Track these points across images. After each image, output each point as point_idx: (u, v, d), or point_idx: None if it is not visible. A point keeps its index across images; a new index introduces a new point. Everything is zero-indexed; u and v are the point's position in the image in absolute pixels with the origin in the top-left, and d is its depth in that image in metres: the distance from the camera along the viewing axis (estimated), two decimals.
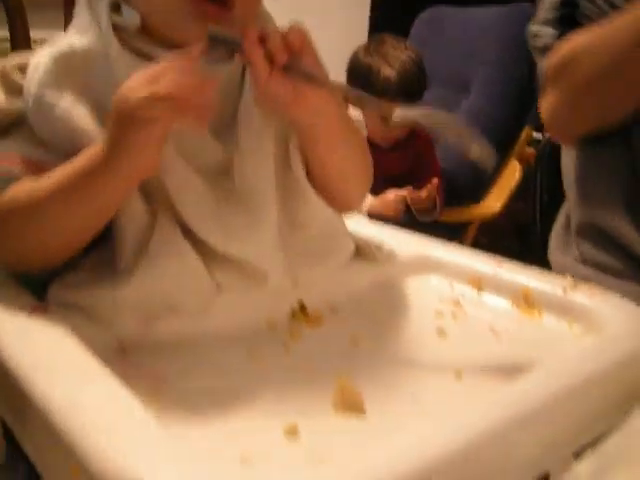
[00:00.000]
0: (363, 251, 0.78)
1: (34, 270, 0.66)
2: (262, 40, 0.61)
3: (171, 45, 0.66)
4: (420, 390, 0.57)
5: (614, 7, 0.84)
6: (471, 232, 2.07)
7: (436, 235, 0.89)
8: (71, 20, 0.72)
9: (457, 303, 0.76)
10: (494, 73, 2.26)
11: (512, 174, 2.04)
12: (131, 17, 0.70)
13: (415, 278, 0.82)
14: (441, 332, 0.68)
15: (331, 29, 2.62)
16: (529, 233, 1.40)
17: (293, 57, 0.61)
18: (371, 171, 0.81)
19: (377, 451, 0.44)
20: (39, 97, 0.66)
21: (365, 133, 1.93)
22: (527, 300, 0.75)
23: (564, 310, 0.72)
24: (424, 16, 2.61)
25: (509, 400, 0.51)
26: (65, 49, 0.68)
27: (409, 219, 1.87)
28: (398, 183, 1.92)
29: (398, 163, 1.98)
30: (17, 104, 0.68)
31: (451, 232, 2.06)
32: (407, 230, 0.93)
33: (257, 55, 0.60)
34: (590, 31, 0.84)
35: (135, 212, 0.65)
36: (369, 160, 0.81)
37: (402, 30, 2.40)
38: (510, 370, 0.61)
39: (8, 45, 1.79)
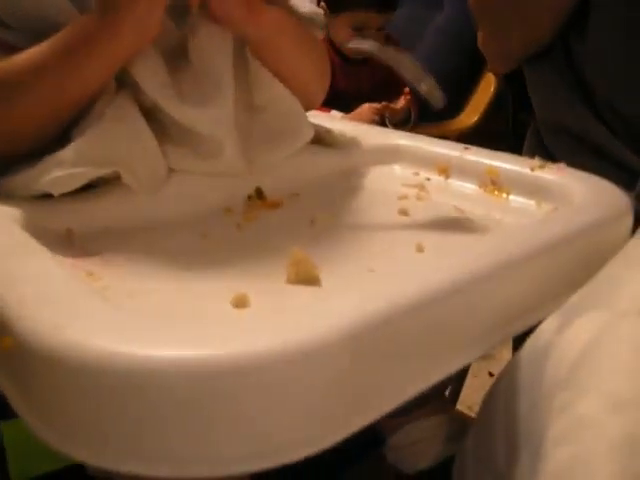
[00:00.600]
0: (325, 138, 0.75)
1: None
2: None
3: None
4: (379, 263, 0.54)
5: None
6: None
7: None
8: None
9: (422, 187, 0.73)
10: None
11: (487, 87, 2.01)
12: None
13: (380, 167, 0.79)
14: (404, 212, 0.66)
15: None
16: (506, 145, 1.38)
17: None
18: (328, 76, 0.80)
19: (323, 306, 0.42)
20: None
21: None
22: (495, 182, 0.72)
23: (532, 189, 0.69)
24: None
25: (468, 259, 0.49)
26: None
27: None
28: (372, 100, 1.89)
29: (370, 77, 1.96)
30: None
31: None
32: None
33: None
34: None
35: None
36: (326, 68, 0.79)
37: None
38: (475, 241, 0.59)
39: None
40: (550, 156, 0.91)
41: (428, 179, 0.76)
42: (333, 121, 0.92)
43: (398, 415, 0.76)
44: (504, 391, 0.48)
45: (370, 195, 0.71)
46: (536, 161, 0.73)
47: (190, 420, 0.36)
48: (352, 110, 1.87)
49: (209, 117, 0.63)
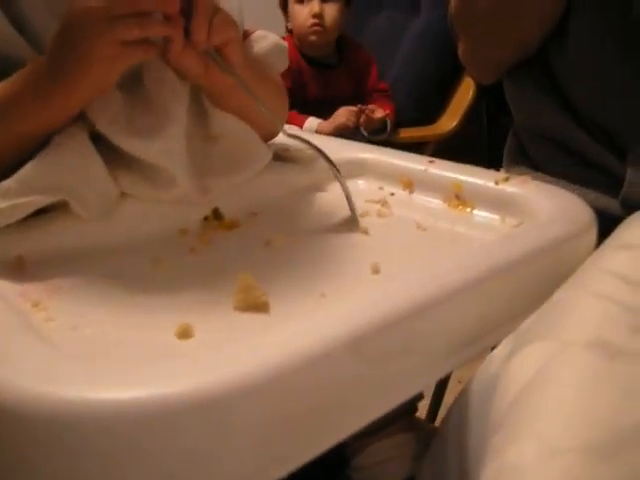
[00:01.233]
0: (284, 157, 0.74)
1: None
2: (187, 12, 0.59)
3: None
4: (331, 287, 0.52)
5: None
6: (426, 154, 2.02)
7: None
8: None
9: (385, 203, 0.71)
10: None
11: (466, 92, 1.99)
12: None
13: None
14: (364, 231, 0.64)
15: None
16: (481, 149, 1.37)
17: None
18: (285, 107, 0.82)
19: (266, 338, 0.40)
20: None
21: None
22: (459, 197, 0.71)
23: (497, 203, 0.68)
24: None
25: (421, 283, 0.47)
26: None
27: (361, 139, 1.85)
28: (346, 104, 1.90)
29: (344, 81, 1.97)
30: None
31: None
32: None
33: (174, 28, 0.59)
34: None
35: None
36: (283, 100, 0.81)
37: None
38: (434, 261, 0.58)
39: None
40: (531, 162, 0.90)
41: (392, 194, 0.74)
42: (300, 134, 0.90)
43: (363, 436, 0.74)
44: (457, 417, 0.46)
45: (330, 212, 0.69)
46: (501, 174, 0.72)
47: (117, 463, 0.35)
48: (331, 115, 1.86)
49: (158, 148, 0.62)
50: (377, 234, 0.64)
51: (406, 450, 0.73)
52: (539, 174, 0.88)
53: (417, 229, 0.65)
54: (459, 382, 0.93)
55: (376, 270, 0.55)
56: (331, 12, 1.92)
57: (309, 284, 0.53)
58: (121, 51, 0.58)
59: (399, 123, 1.99)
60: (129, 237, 0.62)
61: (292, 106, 1.84)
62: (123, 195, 0.64)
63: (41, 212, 0.60)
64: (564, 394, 0.35)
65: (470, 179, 0.71)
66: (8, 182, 0.57)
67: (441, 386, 1.07)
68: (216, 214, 0.66)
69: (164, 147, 0.63)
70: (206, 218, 0.66)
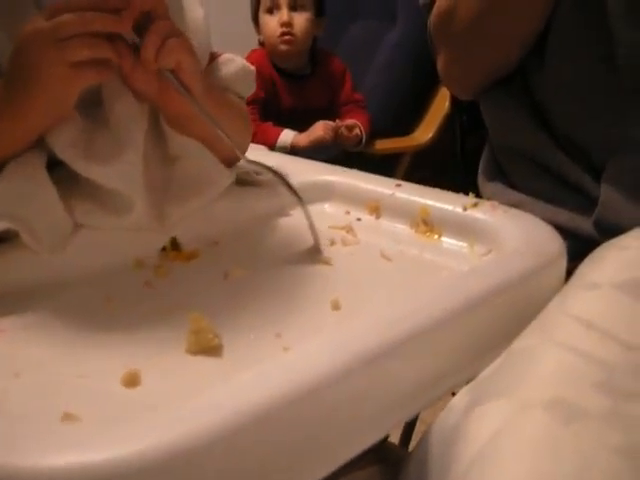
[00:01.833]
0: (246, 180, 0.71)
1: None
2: (140, 30, 0.58)
3: None
4: (288, 326, 0.50)
5: None
6: (403, 165, 2.01)
7: (367, 169, 0.83)
8: None
9: (350, 229, 0.69)
10: None
11: (442, 103, 1.98)
12: None
13: (309, 205, 0.75)
14: (326, 261, 0.62)
15: None
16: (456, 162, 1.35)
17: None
18: (249, 131, 0.80)
19: (211, 393, 0.38)
20: None
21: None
22: (426, 222, 0.69)
23: (465, 230, 0.66)
24: None
25: (380, 326, 0.45)
26: None
27: (337, 151, 1.84)
28: (320, 114, 1.90)
29: (318, 92, 1.96)
30: None
31: (382, 166, 2.01)
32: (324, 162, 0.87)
33: (122, 47, 0.58)
34: None
35: None
36: (245, 125, 0.79)
37: None
38: (396, 296, 0.55)
39: None
40: (506, 178, 0.88)
41: (359, 219, 0.73)
42: (267, 156, 0.88)
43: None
44: (418, 463, 0.44)
45: (293, 240, 0.67)
46: (469, 198, 0.70)
47: None
48: (306, 126, 1.85)
49: (116, 173, 0.60)
50: (340, 265, 0.62)
51: None
52: (512, 193, 0.86)
53: (382, 259, 0.63)
54: None
55: (336, 306, 0.53)
56: (300, 21, 1.91)
57: (265, 323, 0.51)
58: (72, 73, 0.56)
59: (374, 134, 1.97)
60: (82, 270, 0.59)
61: (266, 117, 1.83)
62: (77, 226, 0.61)
63: None
64: (519, 466, 0.33)
65: (438, 204, 0.69)
66: None
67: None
68: (174, 244, 0.64)
69: (122, 171, 0.61)
70: (164, 248, 0.64)
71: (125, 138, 0.62)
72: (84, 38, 0.55)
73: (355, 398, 0.41)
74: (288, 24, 1.89)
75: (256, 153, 0.81)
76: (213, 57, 0.74)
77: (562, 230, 0.64)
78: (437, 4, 0.81)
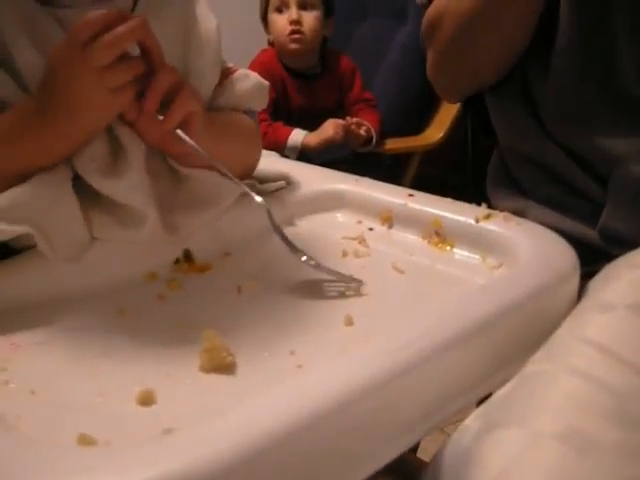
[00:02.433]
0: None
1: None
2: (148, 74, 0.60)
3: None
4: (302, 343, 0.50)
5: None
6: (413, 165, 2.00)
7: (377, 168, 0.84)
8: None
9: (363, 240, 0.69)
10: None
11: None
12: None
13: (321, 214, 0.76)
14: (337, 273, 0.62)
15: None
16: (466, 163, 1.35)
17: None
18: (257, 149, 0.79)
19: (227, 418, 0.38)
20: None
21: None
22: (439, 234, 0.69)
23: (477, 242, 0.66)
24: None
25: (396, 345, 0.45)
26: None
27: (348, 151, 1.84)
28: (331, 113, 1.90)
29: (328, 91, 1.96)
30: None
31: (393, 165, 2.00)
32: (340, 166, 0.87)
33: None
34: None
35: None
36: (254, 144, 0.79)
37: None
38: (409, 312, 0.56)
39: None
40: (514, 184, 0.88)
41: (371, 229, 0.73)
42: (279, 163, 0.88)
43: None
44: None
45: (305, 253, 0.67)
46: (482, 209, 0.70)
47: None
48: (316, 126, 1.85)
49: (125, 187, 0.62)
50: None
51: None
52: (519, 198, 0.86)
53: (394, 271, 0.63)
54: None
55: (349, 322, 0.53)
56: (309, 20, 1.90)
57: (278, 339, 0.51)
58: (113, 98, 0.59)
59: (385, 133, 1.97)
60: (96, 283, 0.60)
61: (276, 117, 1.83)
62: (93, 239, 0.62)
63: (3, 258, 0.59)
64: None
65: (450, 215, 0.69)
66: None
67: None
68: (187, 256, 0.64)
69: (130, 186, 0.62)
70: (177, 260, 0.64)
71: (129, 153, 0.63)
72: (121, 64, 0.58)
73: (367, 421, 0.42)
74: (297, 22, 1.89)
75: (267, 160, 0.82)
76: (226, 72, 0.75)
77: (568, 237, 0.64)
78: (427, 10, 0.81)
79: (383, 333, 0.48)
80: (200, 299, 0.59)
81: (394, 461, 0.66)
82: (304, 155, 1.78)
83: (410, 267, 0.64)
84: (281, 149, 1.78)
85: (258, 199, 0.64)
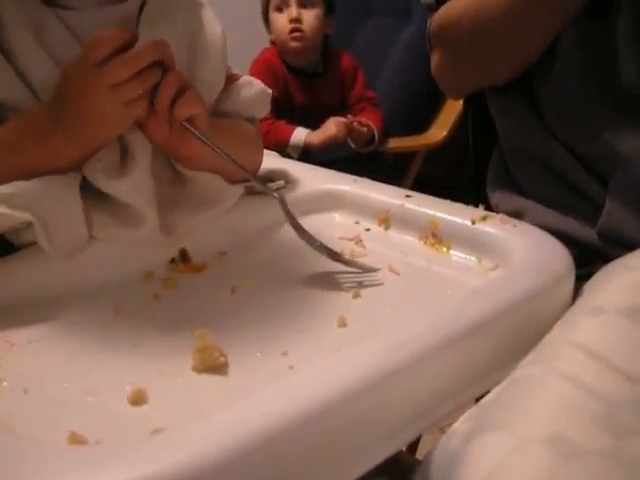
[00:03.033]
0: (252, 190, 0.72)
1: None
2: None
3: None
4: (294, 344, 0.51)
5: None
6: (416, 164, 2.00)
7: (380, 167, 0.84)
8: None
9: (359, 241, 0.70)
10: None
11: (456, 102, 1.96)
12: None
13: (319, 215, 0.76)
14: (332, 275, 0.62)
15: None
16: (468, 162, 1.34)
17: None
18: (259, 152, 0.80)
19: (217, 419, 0.38)
20: None
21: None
22: (435, 235, 0.69)
23: (473, 244, 0.66)
24: None
25: (389, 346, 0.45)
26: None
27: (350, 150, 1.84)
28: (333, 111, 1.90)
29: (330, 90, 1.96)
30: None
31: (396, 164, 2.00)
32: (343, 165, 0.87)
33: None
34: None
35: None
36: (256, 148, 0.80)
37: None
38: (403, 313, 0.56)
39: None
40: (514, 183, 0.88)
41: (368, 229, 0.73)
42: (278, 162, 0.88)
43: None
44: None
45: (301, 252, 0.67)
46: (478, 211, 0.70)
47: None
48: (318, 124, 1.85)
49: (129, 187, 0.63)
50: (348, 278, 0.62)
51: None
52: (519, 199, 0.86)
53: (390, 272, 0.63)
54: None
55: (342, 324, 0.54)
56: (310, 18, 1.91)
57: (271, 340, 0.52)
58: (126, 110, 0.60)
59: (388, 132, 1.97)
60: (92, 281, 0.60)
61: (279, 116, 1.83)
62: (91, 238, 0.63)
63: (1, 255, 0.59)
64: None
65: (447, 217, 0.69)
66: None
67: None
68: (183, 255, 0.64)
69: (134, 186, 0.63)
70: (173, 260, 0.64)
71: (136, 155, 0.64)
72: (134, 79, 0.59)
73: (358, 421, 0.42)
74: (297, 20, 1.89)
75: (266, 160, 0.82)
76: (231, 78, 0.75)
77: (567, 237, 0.64)
78: (440, 11, 0.81)
79: (376, 334, 0.48)
80: (195, 299, 0.59)
81: (388, 460, 0.66)
82: (306, 154, 1.78)
83: (406, 268, 0.64)
84: (283, 147, 1.78)
85: (274, 194, 0.65)
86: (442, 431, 0.52)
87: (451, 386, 0.49)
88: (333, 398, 0.40)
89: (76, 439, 0.40)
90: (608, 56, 0.68)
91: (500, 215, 0.68)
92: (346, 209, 0.77)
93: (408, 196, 0.73)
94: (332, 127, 1.82)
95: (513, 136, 0.88)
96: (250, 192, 0.72)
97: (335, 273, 0.62)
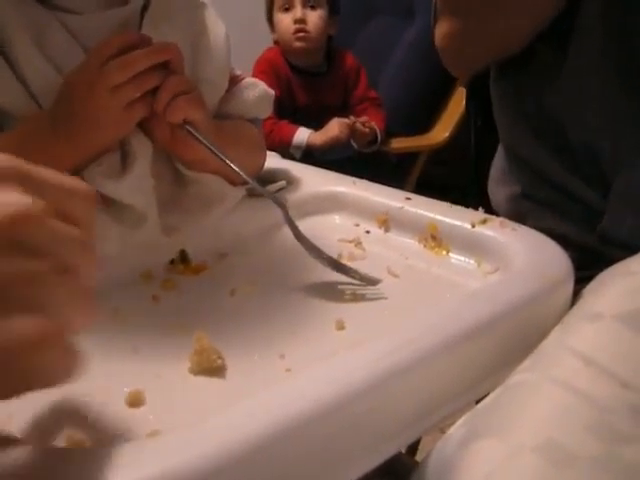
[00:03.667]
0: (253, 192, 0.72)
1: None
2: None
3: None
4: (292, 347, 0.51)
5: None
6: (419, 164, 2.00)
7: (383, 168, 0.84)
8: None
9: (358, 243, 0.70)
10: None
11: (459, 102, 1.97)
12: None
13: (318, 217, 0.76)
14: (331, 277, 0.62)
15: None
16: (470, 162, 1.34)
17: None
18: (262, 155, 0.81)
19: (216, 421, 0.38)
20: None
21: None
22: (435, 238, 0.69)
23: (473, 247, 0.66)
24: None
25: (387, 349, 0.45)
26: None
27: (353, 150, 1.84)
28: (336, 111, 1.91)
29: (333, 89, 1.97)
30: None
31: (399, 165, 2.00)
32: (345, 165, 0.87)
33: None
34: None
35: None
36: (259, 150, 0.81)
37: None
38: (401, 316, 0.56)
39: None
40: (516, 187, 0.88)
41: (367, 232, 0.73)
42: (280, 163, 0.88)
43: None
44: None
45: (301, 255, 0.67)
46: (478, 214, 0.70)
47: None
48: (321, 124, 1.85)
49: (128, 188, 0.62)
50: (347, 281, 0.62)
51: None
52: (520, 201, 0.86)
53: (389, 275, 0.63)
54: None
55: (341, 327, 0.54)
56: (314, 18, 1.91)
57: (269, 343, 0.52)
58: (127, 114, 0.61)
59: (391, 132, 1.97)
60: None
61: (282, 115, 1.83)
62: None
63: None
64: None
65: (447, 219, 0.69)
66: None
67: None
68: (183, 256, 0.64)
69: (135, 186, 0.63)
70: (172, 261, 0.64)
71: (138, 156, 0.64)
72: (133, 81, 0.59)
73: (356, 424, 0.42)
74: (302, 21, 1.90)
75: (268, 160, 0.82)
76: (234, 79, 0.75)
77: (568, 241, 0.64)
78: None
79: (374, 337, 0.48)
80: (194, 300, 0.59)
81: (386, 462, 0.66)
82: (309, 154, 1.78)
83: (405, 271, 0.64)
84: (286, 147, 1.78)
85: (276, 202, 0.65)
86: (443, 432, 0.53)
87: (450, 389, 0.49)
88: (330, 401, 0.40)
89: (74, 441, 0.40)
90: (623, 49, 0.67)
91: (500, 218, 0.68)
92: (346, 211, 0.77)
93: (408, 198, 0.73)
94: (335, 128, 1.83)
95: (513, 142, 0.88)
96: (252, 194, 0.72)
97: (334, 276, 0.62)
